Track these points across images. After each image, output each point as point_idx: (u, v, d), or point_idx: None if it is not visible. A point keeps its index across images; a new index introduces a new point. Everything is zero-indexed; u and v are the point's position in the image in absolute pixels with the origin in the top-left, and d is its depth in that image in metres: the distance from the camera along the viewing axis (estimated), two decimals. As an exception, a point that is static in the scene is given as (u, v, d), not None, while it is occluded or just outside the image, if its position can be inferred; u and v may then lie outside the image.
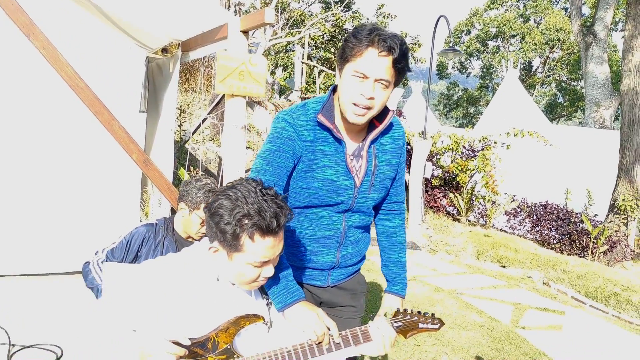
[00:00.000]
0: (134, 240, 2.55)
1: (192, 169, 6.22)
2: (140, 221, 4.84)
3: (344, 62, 1.79)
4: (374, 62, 1.72)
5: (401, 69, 1.77)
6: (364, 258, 2.21)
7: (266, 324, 1.66)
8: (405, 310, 1.95)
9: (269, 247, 1.54)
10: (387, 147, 2.00)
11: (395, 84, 1.82)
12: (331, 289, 2.12)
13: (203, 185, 2.56)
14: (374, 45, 1.71)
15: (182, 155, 7.70)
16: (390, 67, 1.74)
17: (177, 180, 5.76)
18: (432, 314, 1.98)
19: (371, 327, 1.84)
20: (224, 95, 3.73)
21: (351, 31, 1.80)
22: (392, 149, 2.02)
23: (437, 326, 1.99)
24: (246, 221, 1.48)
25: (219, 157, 8.94)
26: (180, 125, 8.71)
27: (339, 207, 1.96)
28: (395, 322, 1.92)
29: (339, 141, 1.87)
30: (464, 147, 9.79)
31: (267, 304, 1.72)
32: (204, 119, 7.60)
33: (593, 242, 7.90)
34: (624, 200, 8.29)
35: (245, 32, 3.59)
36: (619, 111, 10.37)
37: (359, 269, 2.22)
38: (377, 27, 1.76)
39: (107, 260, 2.52)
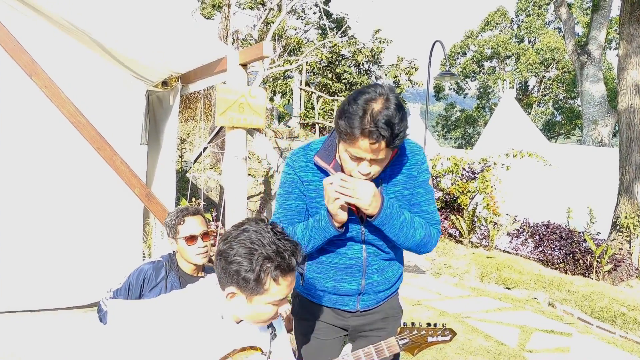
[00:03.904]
0: (136, 281, 2.56)
1: (193, 199, 6.23)
2: (143, 255, 4.85)
3: (339, 137, 1.78)
4: (367, 149, 1.70)
5: (395, 145, 1.74)
6: (398, 281, 2.19)
7: (264, 354, 1.65)
8: (412, 324, 1.91)
9: (290, 284, 1.56)
10: (398, 178, 1.97)
11: (393, 151, 1.82)
12: (361, 314, 2.13)
13: (172, 212, 2.64)
14: (365, 136, 1.67)
15: (184, 185, 7.72)
16: (383, 149, 1.72)
17: (178, 211, 5.77)
18: (443, 324, 1.93)
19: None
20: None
21: (347, 107, 1.71)
22: (403, 179, 1.97)
23: (448, 338, 1.93)
24: (268, 264, 1.49)
25: (220, 186, 8.96)
26: (181, 156, 8.75)
27: (355, 237, 1.99)
28: (401, 339, 1.88)
29: None
30: (463, 169, 9.81)
31: (271, 335, 1.73)
32: (205, 148, 7.64)
33: (597, 261, 7.86)
34: (626, 217, 8.27)
35: (244, 65, 3.65)
36: (617, 128, 10.42)
37: (394, 293, 2.20)
38: (370, 100, 1.68)
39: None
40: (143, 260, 4.78)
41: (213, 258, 2.67)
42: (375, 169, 1.78)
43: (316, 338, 2.16)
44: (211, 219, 5.56)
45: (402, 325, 1.94)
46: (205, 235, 2.59)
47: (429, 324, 1.93)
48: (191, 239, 2.54)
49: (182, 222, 2.55)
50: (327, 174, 1.90)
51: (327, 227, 1.85)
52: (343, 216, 1.81)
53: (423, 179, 2.00)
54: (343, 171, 1.85)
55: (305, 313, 2.19)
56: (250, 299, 1.54)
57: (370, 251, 2.02)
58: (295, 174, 1.96)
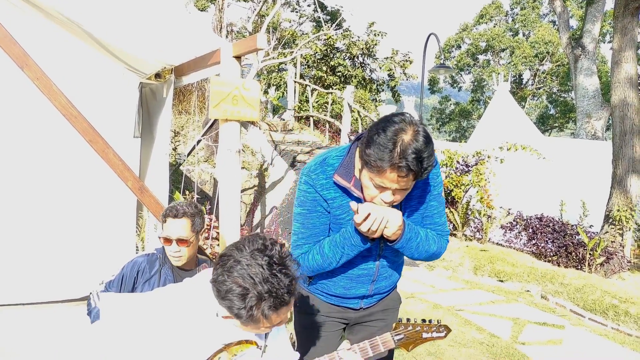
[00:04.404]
0: (130, 273, 2.55)
1: (187, 192, 6.21)
2: (136, 248, 4.84)
3: (363, 164, 1.74)
4: (394, 180, 1.68)
5: (423, 177, 1.72)
6: (399, 278, 2.25)
7: (260, 348, 1.65)
8: (408, 320, 1.93)
9: (284, 314, 1.53)
10: (414, 193, 1.97)
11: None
12: (363, 310, 2.19)
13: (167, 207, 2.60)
14: (394, 170, 1.64)
15: (177, 178, 7.70)
16: (410, 180, 1.70)
17: (172, 204, 5.75)
18: (438, 321, 1.95)
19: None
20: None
21: (375, 136, 1.67)
22: (419, 194, 1.98)
23: (442, 334, 1.95)
24: (262, 303, 1.44)
25: (214, 179, 8.94)
26: (174, 149, 8.72)
27: (371, 252, 2.01)
28: (396, 334, 1.89)
29: (359, 199, 1.87)
30: (457, 162, 9.82)
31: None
32: (198, 141, 7.62)
33: (589, 253, 7.91)
34: (618, 210, 8.32)
35: (238, 58, 3.62)
36: (610, 122, 10.45)
37: (395, 288, 2.27)
38: (401, 131, 1.64)
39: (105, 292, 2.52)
40: (136, 253, 4.77)
41: (208, 252, 2.66)
42: (398, 198, 1.77)
43: (316, 331, 2.18)
44: (205, 212, 5.55)
45: (397, 321, 1.96)
46: (182, 241, 2.52)
47: (424, 320, 1.94)
48: (166, 240, 2.52)
49: (164, 221, 2.53)
50: (349, 193, 1.89)
51: (361, 243, 1.86)
52: (375, 234, 1.81)
53: (437, 192, 2.02)
54: (362, 192, 1.85)
55: (307, 307, 2.20)
56: (245, 325, 1.54)
57: (383, 262, 2.05)
58: (317, 192, 1.92)
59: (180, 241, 2.51)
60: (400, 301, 2.31)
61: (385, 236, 1.83)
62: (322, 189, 1.91)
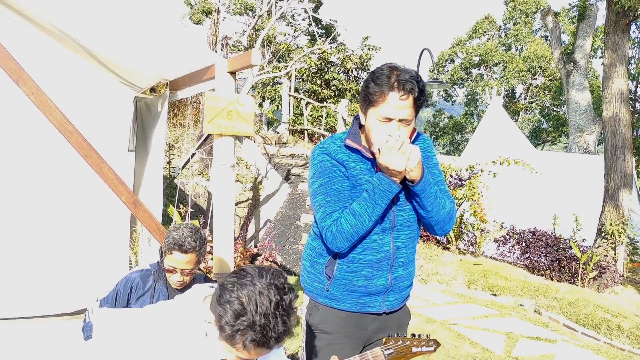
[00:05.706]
0: (124, 290, 2.55)
1: (181, 205, 6.21)
2: (130, 262, 4.83)
3: (367, 106, 1.96)
4: (397, 105, 1.88)
5: (421, 104, 1.94)
6: (412, 284, 2.29)
7: None
8: (397, 334, 1.95)
9: (258, 354, 1.51)
10: None
11: (416, 116, 1.98)
12: (385, 317, 2.18)
13: (171, 231, 2.56)
14: (394, 90, 1.87)
15: (172, 191, 7.69)
16: (411, 106, 1.90)
17: (166, 218, 5.75)
18: (427, 335, 1.97)
19: None
20: (211, 133, 3.76)
21: (371, 74, 1.95)
22: (421, 159, 2.09)
23: (432, 348, 1.97)
24: (248, 331, 1.42)
25: (208, 192, 8.94)
26: (169, 162, 8.72)
27: (384, 225, 2.06)
28: (386, 349, 1.90)
29: (371, 160, 2.04)
30: (451, 176, 9.87)
31: None
32: (193, 154, 7.61)
33: (582, 267, 7.94)
34: (611, 225, 8.37)
35: (233, 73, 3.65)
36: (602, 136, 10.54)
37: (408, 297, 2.30)
38: (394, 67, 1.93)
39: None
40: (130, 267, 4.77)
41: (201, 266, 2.66)
42: (404, 133, 1.92)
43: (329, 354, 2.10)
44: (199, 226, 5.54)
45: (387, 336, 1.96)
46: (187, 271, 2.54)
47: (413, 335, 1.96)
48: (170, 270, 2.54)
49: (170, 253, 2.51)
50: (360, 159, 2.05)
51: (390, 186, 1.93)
52: (401, 164, 1.88)
53: (436, 161, 2.21)
54: (371, 151, 2.01)
55: (325, 325, 2.16)
56: (220, 340, 1.51)
57: (397, 243, 2.11)
58: (333, 158, 2.06)
59: (184, 271, 2.54)
60: (410, 317, 2.35)
61: (408, 171, 1.91)
62: (336, 153, 2.06)
